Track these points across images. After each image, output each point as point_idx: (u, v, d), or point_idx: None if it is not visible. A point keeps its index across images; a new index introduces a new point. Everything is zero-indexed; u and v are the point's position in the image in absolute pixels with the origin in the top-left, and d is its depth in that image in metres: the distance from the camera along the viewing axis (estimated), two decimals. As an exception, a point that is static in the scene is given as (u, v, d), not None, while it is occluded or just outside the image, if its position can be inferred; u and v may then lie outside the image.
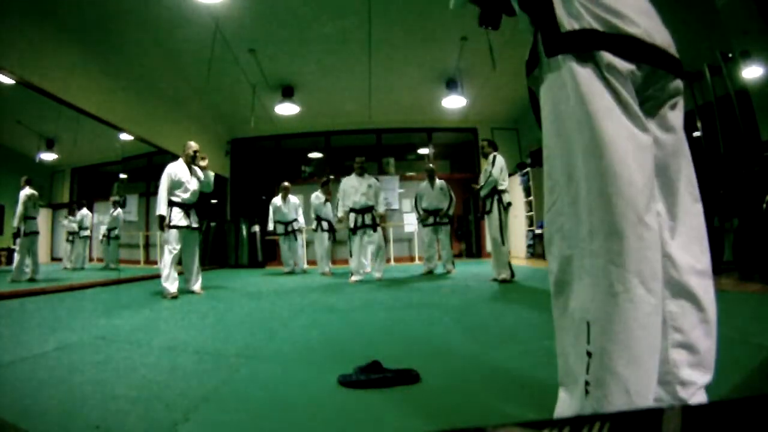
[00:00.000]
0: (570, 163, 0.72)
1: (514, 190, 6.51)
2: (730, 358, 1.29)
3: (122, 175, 7.08)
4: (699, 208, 0.83)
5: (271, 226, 6.22)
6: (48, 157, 5.90)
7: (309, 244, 7.28)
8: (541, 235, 6.65)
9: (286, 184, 6.19)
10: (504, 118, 9.01)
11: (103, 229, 6.81)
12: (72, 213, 6.39)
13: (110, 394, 1.19)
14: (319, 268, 5.81)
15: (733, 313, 1.98)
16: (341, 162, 9.53)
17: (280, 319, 2.41)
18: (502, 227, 3.86)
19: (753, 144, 3.38)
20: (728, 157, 3.60)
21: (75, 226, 6.34)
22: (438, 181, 5.20)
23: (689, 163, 0.80)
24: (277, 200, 6.14)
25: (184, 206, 3.68)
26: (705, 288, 0.79)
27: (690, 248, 0.81)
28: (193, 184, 3.77)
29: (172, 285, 3.51)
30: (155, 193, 3.60)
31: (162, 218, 3.51)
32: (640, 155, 0.68)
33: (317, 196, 5.87)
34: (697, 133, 4.08)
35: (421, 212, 5.22)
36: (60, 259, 6.42)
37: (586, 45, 0.70)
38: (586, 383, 0.69)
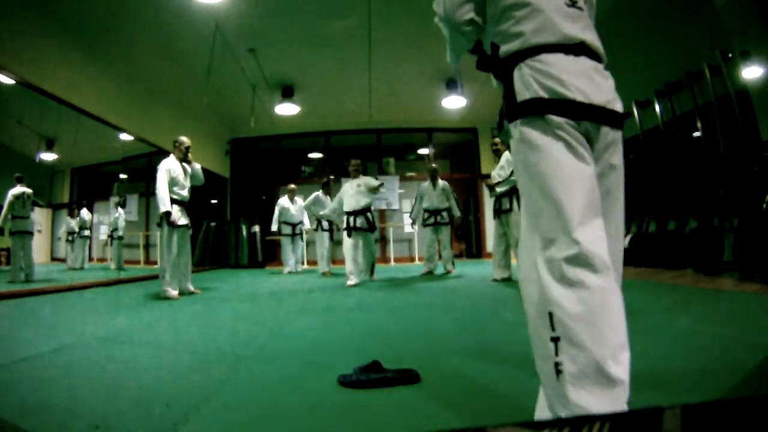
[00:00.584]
0: (533, 196, 0.92)
1: (514, 190, 6.47)
2: (730, 358, 1.29)
3: (122, 175, 7.08)
4: (621, 231, 1.00)
5: (275, 227, 6.25)
6: (48, 157, 5.90)
7: (309, 244, 7.30)
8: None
9: (292, 186, 6.29)
10: (504, 118, 9.00)
11: (104, 228, 6.81)
12: (72, 214, 6.39)
13: (110, 394, 1.19)
14: (320, 267, 5.81)
15: (733, 313, 1.99)
16: (341, 162, 9.53)
17: (280, 319, 2.41)
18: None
19: (753, 144, 3.38)
20: (728, 157, 3.60)
21: (75, 226, 6.34)
22: (440, 182, 5.19)
23: (621, 198, 0.99)
24: (284, 201, 6.20)
25: (182, 204, 3.67)
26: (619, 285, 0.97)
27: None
28: (188, 182, 3.75)
29: (173, 287, 3.50)
30: (155, 193, 3.55)
31: (168, 214, 3.46)
32: (581, 184, 0.86)
33: (318, 197, 5.89)
34: (697, 133, 4.08)
35: (421, 213, 5.21)
36: (60, 259, 6.42)
37: (536, 110, 0.90)
38: (556, 365, 0.79)
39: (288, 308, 2.80)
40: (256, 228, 8.29)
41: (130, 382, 1.30)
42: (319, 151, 9.68)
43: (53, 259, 6.46)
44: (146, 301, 3.37)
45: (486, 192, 5.54)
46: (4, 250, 5.15)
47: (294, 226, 6.27)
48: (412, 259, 8.36)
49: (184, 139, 3.78)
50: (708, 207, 3.70)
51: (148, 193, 7.24)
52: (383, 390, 1.13)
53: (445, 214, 5.15)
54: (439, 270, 5.25)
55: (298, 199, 6.20)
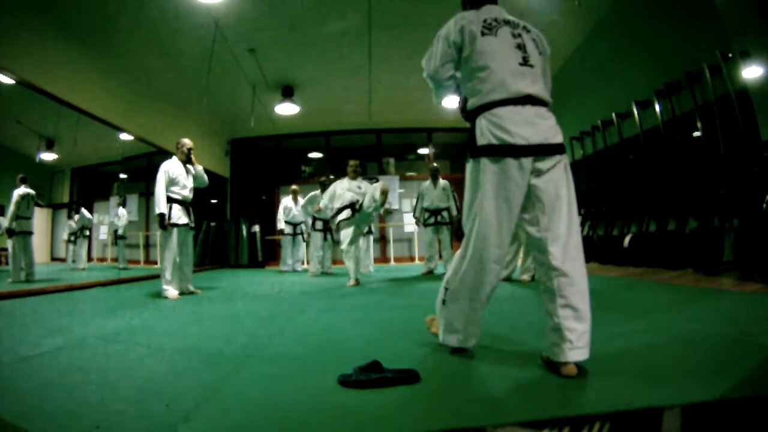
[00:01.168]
0: (471, 211, 1.37)
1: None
2: (731, 358, 1.29)
3: (122, 175, 7.08)
4: (575, 226, 1.31)
5: (281, 225, 6.38)
6: (48, 157, 5.90)
7: (307, 244, 7.33)
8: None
9: (294, 187, 6.41)
10: (504, 118, 9.01)
11: (104, 228, 6.80)
12: (70, 215, 6.39)
13: (110, 394, 1.19)
14: (310, 268, 5.81)
15: (733, 313, 1.99)
16: (341, 162, 9.52)
17: (280, 319, 2.41)
18: None
19: (753, 144, 3.38)
20: (728, 157, 3.60)
21: (75, 226, 6.34)
22: (441, 181, 5.18)
23: (567, 200, 1.31)
24: (288, 201, 6.32)
25: (183, 204, 3.67)
26: (577, 271, 1.26)
27: (566, 248, 1.27)
28: (190, 182, 3.75)
29: (173, 288, 3.50)
30: (154, 192, 3.57)
31: (162, 216, 3.48)
32: (510, 203, 1.31)
33: (312, 196, 5.84)
34: (697, 133, 4.08)
35: (422, 212, 5.20)
36: (60, 259, 6.41)
37: (488, 153, 1.31)
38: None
39: (288, 308, 2.80)
40: (256, 228, 8.29)
41: (130, 382, 1.30)
42: (319, 151, 9.69)
43: (53, 259, 6.46)
44: (146, 300, 3.37)
45: None
46: (4, 250, 5.15)
47: (295, 226, 6.40)
48: (412, 259, 8.36)
49: (186, 140, 3.78)
50: (708, 207, 3.69)
51: (148, 193, 7.24)
52: (383, 390, 1.13)
53: (445, 213, 5.14)
54: (440, 270, 5.25)
55: (301, 200, 6.24)
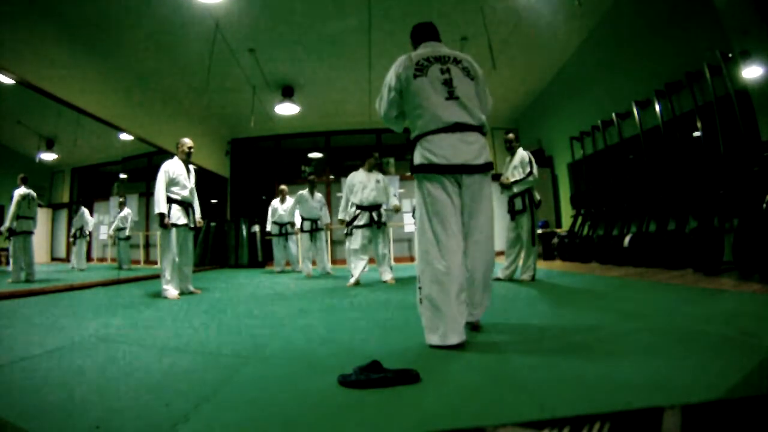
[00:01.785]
0: (420, 219, 1.69)
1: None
2: (731, 358, 1.29)
3: (122, 175, 7.08)
4: (486, 240, 1.71)
5: (269, 227, 6.29)
6: (48, 157, 5.90)
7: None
8: (541, 235, 6.65)
9: (282, 186, 6.25)
10: (504, 117, 9.01)
11: (104, 229, 6.80)
12: (70, 215, 6.39)
13: (110, 394, 1.19)
14: (303, 269, 5.78)
15: (733, 313, 1.98)
16: (341, 162, 9.52)
17: (279, 319, 2.41)
18: (534, 227, 3.77)
19: (753, 144, 3.38)
20: (728, 157, 3.60)
21: (75, 226, 6.33)
22: None
23: (484, 215, 1.70)
24: (275, 202, 6.23)
25: (183, 204, 3.67)
26: (481, 279, 1.71)
27: (476, 259, 1.68)
28: (190, 182, 3.74)
29: (173, 288, 3.50)
30: (154, 192, 3.56)
31: (162, 216, 3.48)
32: (443, 207, 1.63)
33: (302, 195, 5.71)
34: (697, 133, 4.08)
35: None
36: (60, 259, 6.41)
37: (422, 170, 1.67)
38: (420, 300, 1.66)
39: (288, 308, 2.80)
40: (256, 228, 8.29)
41: (130, 381, 1.30)
42: (319, 151, 9.68)
43: (53, 259, 6.46)
44: (146, 300, 3.37)
45: None
46: (4, 250, 5.15)
47: (281, 226, 6.25)
48: (412, 259, 8.36)
49: (186, 140, 3.77)
50: (708, 207, 3.70)
51: (148, 193, 7.25)
52: (383, 390, 1.13)
53: None
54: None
55: (290, 199, 6.15)
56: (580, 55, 6.36)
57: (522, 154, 3.86)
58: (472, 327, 1.79)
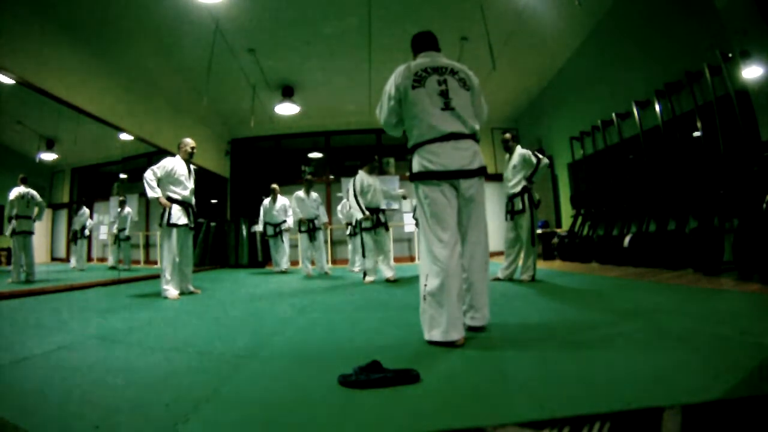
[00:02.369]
0: (422, 222, 1.78)
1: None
2: (730, 358, 1.29)
3: (122, 175, 7.08)
4: (482, 240, 1.81)
5: (260, 228, 6.22)
6: (48, 157, 5.90)
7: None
8: (541, 235, 6.65)
9: (274, 186, 6.20)
10: (504, 118, 9.01)
11: (104, 228, 6.79)
12: (73, 214, 6.39)
13: (110, 394, 1.19)
14: (302, 269, 5.77)
15: (733, 313, 1.98)
16: (341, 162, 9.52)
17: (279, 319, 2.41)
18: (534, 227, 3.76)
19: (753, 144, 3.38)
20: (728, 157, 3.60)
21: (76, 226, 6.33)
22: None
23: (479, 217, 1.79)
24: (266, 201, 6.17)
25: (184, 204, 3.66)
26: (479, 278, 1.79)
27: (473, 259, 1.78)
28: (191, 182, 3.74)
29: (173, 288, 3.50)
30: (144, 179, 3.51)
31: (156, 199, 3.47)
32: (442, 210, 1.72)
33: (298, 196, 5.73)
34: (697, 133, 4.08)
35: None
36: (60, 259, 6.41)
37: (421, 177, 1.76)
38: (424, 297, 1.69)
39: (288, 308, 2.80)
40: (256, 228, 8.28)
41: (130, 382, 1.30)
42: (319, 151, 9.68)
43: (53, 259, 6.46)
44: (146, 300, 3.37)
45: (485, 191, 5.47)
46: (4, 250, 5.15)
47: (274, 226, 6.19)
48: (412, 259, 8.37)
49: (188, 140, 3.77)
50: (708, 207, 3.69)
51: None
52: (383, 390, 1.13)
53: None
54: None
55: (281, 199, 6.12)
56: (580, 55, 6.36)
57: (521, 152, 3.85)
58: (478, 330, 1.80)
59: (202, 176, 4.41)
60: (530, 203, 3.77)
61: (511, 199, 3.87)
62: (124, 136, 5.85)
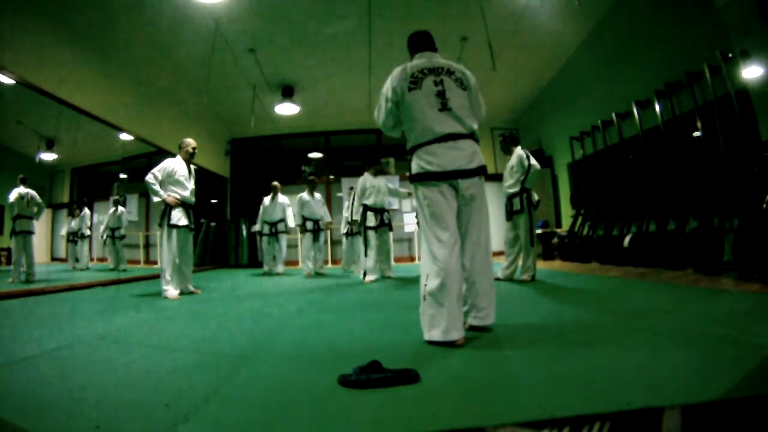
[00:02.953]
0: (422, 222, 1.79)
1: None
2: (730, 358, 1.29)
3: (122, 175, 7.07)
4: (483, 239, 1.79)
5: (258, 227, 6.07)
6: (48, 157, 5.89)
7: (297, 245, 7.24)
8: (541, 235, 6.65)
9: (275, 183, 6.04)
10: (504, 118, 9.01)
11: (102, 228, 6.78)
12: (72, 214, 6.38)
13: (110, 394, 1.19)
14: (303, 268, 5.76)
15: (733, 313, 1.99)
16: (341, 162, 9.52)
17: (279, 318, 2.41)
18: (533, 227, 3.77)
19: (753, 144, 3.38)
20: (728, 157, 3.60)
21: (76, 226, 6.33)
22: None
23: (479, 217, 1.79)
24: (266, 200, 6.01)
25: (184, 205, 3.66)
26: (481, 278, 1.78)
27: (474, 259, 1.77)
28: (191, 183, 3.74)
29: (173, 288, 3.50)
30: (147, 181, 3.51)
31: (163, 200, 3.49)
32: (440, 210, 1.72)
33: (302, 198, 5.69)
34: (697, 133, 4.08)
35: None
36: (60, 259, 6.41)
37: (419, 178, 1.77)
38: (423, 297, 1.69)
39: (287, 308, 2.80)
40: (256, 228, 8.28)
41: (130, 382, 1.30)
42: (319, 151, 9.68)
43: (53, 259, 6.46)
44: (146, 301, 3.37)
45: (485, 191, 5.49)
46: (4, 250, 5.15)
47: (272, 224, 5.99)
48: (412, 259, 8.37)
49: (189, 140, 3.77)
50: (708, 207, 3.69)
51: (148, 194, 7.23)
52: (383, 390, 1.13)
53: None
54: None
55: (281, 197, 6.01)
56: (580, 55, 6.36)
57: (518, 153, 3.85)
58: (482, 330, 1.80)
59: (202, 176, 4.41)
60: (528, 204, 3.77)
61: (510, 199, 3.88)
62: (124, 136, 5.84)
